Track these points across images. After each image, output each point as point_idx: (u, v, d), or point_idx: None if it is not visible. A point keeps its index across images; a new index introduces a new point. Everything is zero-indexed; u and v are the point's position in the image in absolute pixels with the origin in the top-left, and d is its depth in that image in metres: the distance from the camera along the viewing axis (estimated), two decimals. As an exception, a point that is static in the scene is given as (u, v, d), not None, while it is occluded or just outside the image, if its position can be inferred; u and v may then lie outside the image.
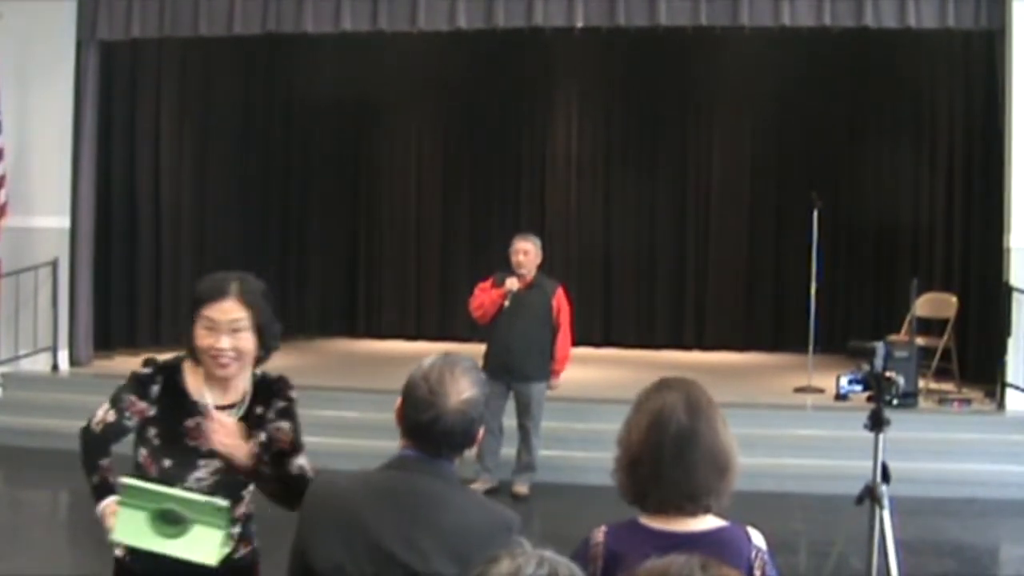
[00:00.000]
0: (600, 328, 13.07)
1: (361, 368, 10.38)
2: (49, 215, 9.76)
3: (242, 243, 12.43)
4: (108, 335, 10.72)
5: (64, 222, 9.82)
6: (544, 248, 13.58)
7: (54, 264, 9.54)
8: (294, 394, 3.11)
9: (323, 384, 9.57)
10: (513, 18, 8.98)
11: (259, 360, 3.07)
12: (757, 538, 2.39)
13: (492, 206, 13.19)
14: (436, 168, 13.66)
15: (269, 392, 3.09)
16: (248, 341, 2.96)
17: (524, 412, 7.53)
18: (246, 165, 12.55)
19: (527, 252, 7.55)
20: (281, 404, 3.08)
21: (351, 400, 8.64)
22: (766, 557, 2.37)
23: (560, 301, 7.64)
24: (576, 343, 12.70)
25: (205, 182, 12.06)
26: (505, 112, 13.40)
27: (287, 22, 9.27)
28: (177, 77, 11.63)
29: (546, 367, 7.56)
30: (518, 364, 7.40)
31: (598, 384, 10.18)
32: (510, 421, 7.62)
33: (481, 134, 13.44)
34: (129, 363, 10.19)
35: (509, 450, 7.69)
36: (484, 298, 7.57)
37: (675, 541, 2.22)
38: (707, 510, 2.38)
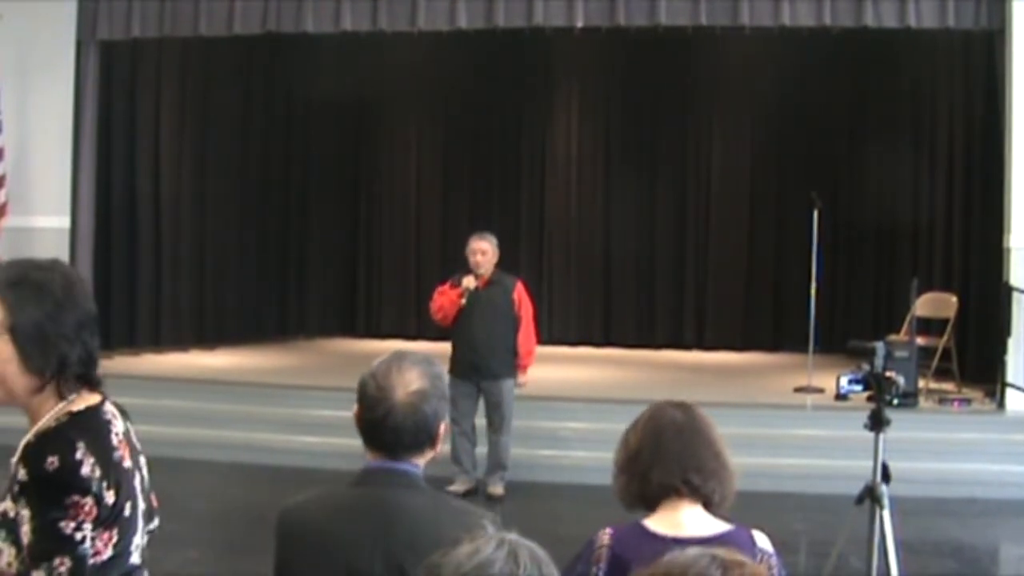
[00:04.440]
0: (600, 328, 13.08)
1: (361, 368, 10.33)
2: (49, 215, 9.77)
3: (242, 243, 12.44)
4: (108, 335, 10.68)
5: (64, 222, 9.82)
6: (544, 248, 13.62)
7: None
8: (50, 464, 2.03)
9: (323, 384, 9.59)
10: (513, 18, 8.98)
11: (58, 389, 2.15)
12: (762, 541, 2.41)
13: (492, 206, 13.19)
14: (436, 168, 13.66)
15: (35, 452, 2.08)
16: None
17: (494, 411, 7.51)
18: (246, 165, 12.55)
19: (484, 252, 7.53)
20: (21, 475, 2.06)
21: (351, 400, 8.58)
22: (772, 560, 2.39)
23: (520, 295, 7.63)
24: (576, 343, 12.93)
25: (205, 182, 12.06)
26: (505, 112, 13.40)
27: (287, 22, 9.27)
28: (177, 77, 11.64)
29: (513, 364, 7.54)
30: (485, 363, 7.41)
31: (598, 384, 10.19)
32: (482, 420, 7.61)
33: (481, 134, 13.44)
34: (129, 363, 10.26)
35: (482, 448, 7.68)
36: (443, 300, 7.57)
37: (673, 541, 2.24)
38: (709, 499, 2.41)
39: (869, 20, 8.57)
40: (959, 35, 9.22)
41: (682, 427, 2.46)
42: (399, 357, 2.35)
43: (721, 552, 1.50)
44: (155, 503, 2.36)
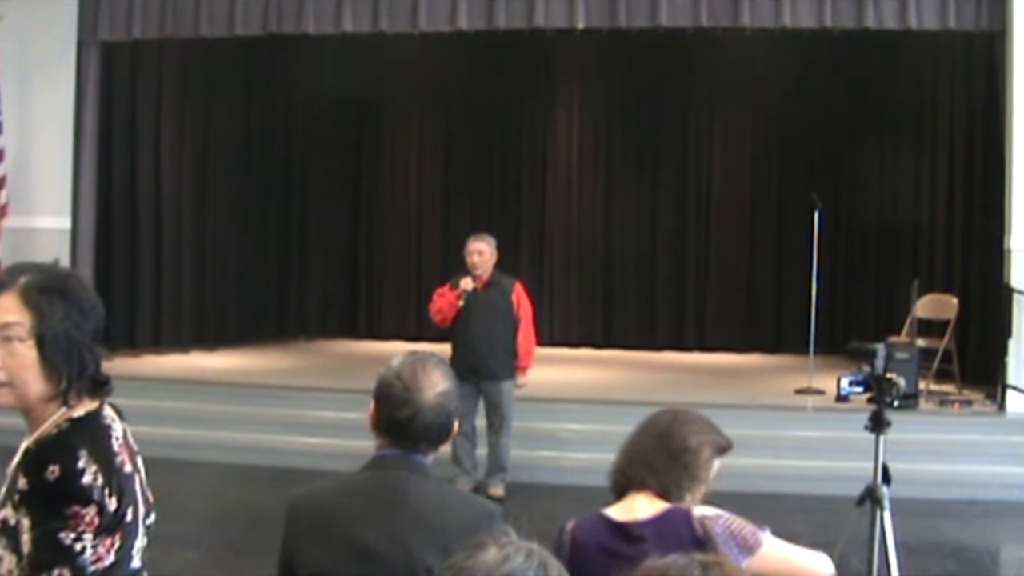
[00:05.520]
0: (601, 329, 13.08)
1: (361, 369, 10.36)
2: (50, 216, 9.77)
3: (242, 243, 12.44)
4: (108, 336, 10.62)
5: (65, 223, 9.82)
6: (545, 249, 13.60)
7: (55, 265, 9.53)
8: (51, 474, 2.01)
9: (323, 385, 9.59)
10: (514, 19, 8.97)
11: (66, 396, 2.12)
12: (701, 510, 2.54)
13: (492, 206, 13.19)
14: (436, 168, 13.67)
15: (35, 461, 2.06)
16: (20, 355, 2.07)
17: (494, 412, 7.51)
18: (246, 165, 12.55)
19: (481, 252, 7.52)
20: (21, 484, 2.05)
21: (351, 401, 8.62)
22: (713, 523, 2.49)
23: (519, 296, 7.62)
24: (577, 344, 12.93)
25: (205, 182, 12.06)
26: (506, 113, 13.40)
27: (288, 23, 9.26)
28: (178, 78, 11.64)
29: (512, 365, 7.54)
30: (484, 364, 7.40)
31: (599, 385, 10.18)
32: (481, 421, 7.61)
33: (482, 135, 13.45)
34: (130, 364, 10.25)
35: (482, 450, 7.67)
36: (442, 302, 7.57)
37: (622, 528, 2.53)
38: (659, 491, 2.57)
39: (870, 21, 8.57)
40: (960, 36, 9.22)
41: (648, 428, 2.67)
42: (420, 358, 2.43)
43: (700, 555, 1.52)
44: (151, 498, 2.36)
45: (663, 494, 2.58)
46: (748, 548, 2.48)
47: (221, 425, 8.68)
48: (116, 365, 10.09)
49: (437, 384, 2.38)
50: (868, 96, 11.88)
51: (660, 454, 2.60)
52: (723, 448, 2.69)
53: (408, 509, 2.31)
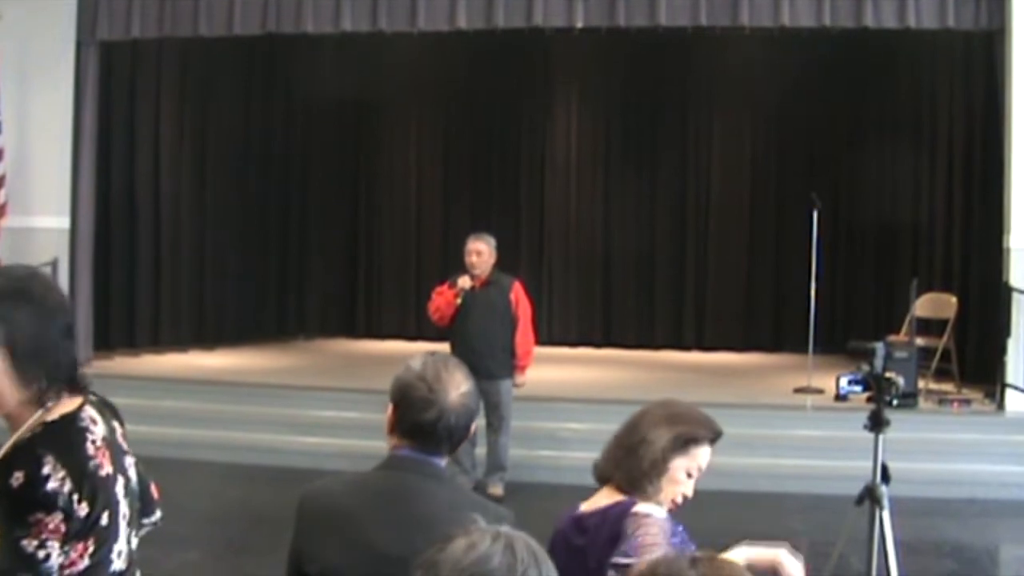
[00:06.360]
0: (600, 328, 13.08)
1: (361, 368, 10.38)
2: (49, 215, 9.77)
3: (242, 243, 12.44)
4: (108, 335, 10.72)
5: (64, 222, 9.82)
6: (544, 248, 13.60)
7: (54, 264, 9.52)
8: (15, 480, 2.00)
9: (323, 384, 9.59)
10: (513, 18, 8.97)
11: (43, 397, 2.11)
12: (642, 507, 2.60)
13: (492, 206, 13.18)
14: (436, 168, 13.67)
15: (4, 466, 2.04)
16: None
17: (493, 411, 7.50)
18: (245, 165, 12.54)
19: (480, 252, 7.52)
20: None
21: (351, 400, 8.65)
22: (652, 519, 2.56)
23: (518, 295, 7.62)
24: (576, 344, 12.93)
25: (205, 182, 12.06)
26: (505, 112, 13.41)
27: (287, 22, 9.27)
28: (177, 77, 11.64)
29: (511, 364, 7.55)
30: (483, 363, 7.34)
31: (598, 384, 10.18)
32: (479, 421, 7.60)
33: (481, 134, 13.45)
34: (129, 363, 10.26)
35: (481, 449, 7.66)
36: (440, 300, 7.57)
37: (577, 519, 2.69)
38: (614, 483, 2.70)
39: (869, 21, 8.57)
40: (959, 36, 9.22)
41: (623, 424, 2.78)
42: (442, 359, 2.42)
43: (690, 552, 1.55)
44: (156, 495, 2.34)
45: (621, 487, 2.68)
46: (634, 555, 2.50)
47: (220, 424, 8.68)
48: (116, 365, 10.11)
49: (460, 385, 2.36)
50: (868, 96, 11.88)
51: (622, 448, 2.72)
52: (689, 439, 2.68)
53: (420, 512, 2.29)
